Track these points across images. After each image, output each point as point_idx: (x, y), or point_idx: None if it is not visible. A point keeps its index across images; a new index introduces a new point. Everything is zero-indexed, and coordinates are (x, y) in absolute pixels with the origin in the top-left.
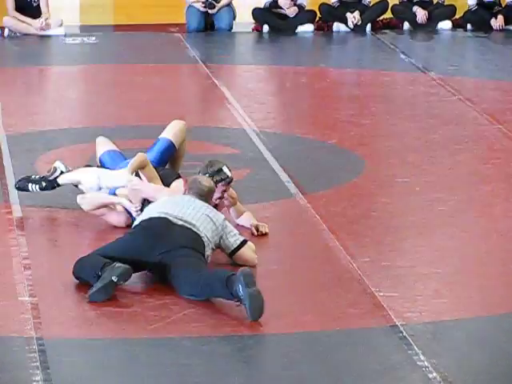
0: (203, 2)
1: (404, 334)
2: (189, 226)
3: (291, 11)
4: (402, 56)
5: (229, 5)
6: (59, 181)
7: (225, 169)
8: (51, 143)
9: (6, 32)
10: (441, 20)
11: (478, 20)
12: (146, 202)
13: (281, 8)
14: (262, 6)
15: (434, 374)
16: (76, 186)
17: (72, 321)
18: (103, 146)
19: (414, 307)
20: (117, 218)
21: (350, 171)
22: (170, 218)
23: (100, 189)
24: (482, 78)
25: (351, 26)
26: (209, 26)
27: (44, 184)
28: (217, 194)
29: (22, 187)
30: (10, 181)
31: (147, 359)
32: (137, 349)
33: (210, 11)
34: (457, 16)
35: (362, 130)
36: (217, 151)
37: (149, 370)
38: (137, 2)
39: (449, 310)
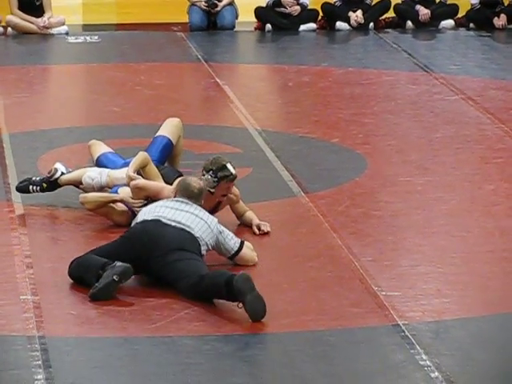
0: (205, 2)
1: (406, 333)
2: (182, 227)
3: (294, 9)
4: (405, 55)
5: (231, 3)
6: (60, 182)
7: (229, 166)
8: (54, 142)
9: (9, 31)
10: (443, 19)
11: (481, 19)
12: (148, 201)
13: (283, 7)
14: (264, 4)
15: (437, 374)
16: (77, 186)
17: (74, 319)
18: (98, 148)
19: (416, 306)
20: (119, 217)
21: (353, 170)
22: (164, 221)
23: (102, 188)
24: (484, 77)
25: (354, 25)
26: (211, 25)
27: (45, 185)
28: (220, 191)
29: (22, 189)
30: (13, 179)
31: (149, 358)
32: (138, 347)
33: (212, 11)
34: (459, 15)
35: (364, 129)
36: (219, 150)
37: (150, 369)
38: (139, 0)
39: (451, 310)
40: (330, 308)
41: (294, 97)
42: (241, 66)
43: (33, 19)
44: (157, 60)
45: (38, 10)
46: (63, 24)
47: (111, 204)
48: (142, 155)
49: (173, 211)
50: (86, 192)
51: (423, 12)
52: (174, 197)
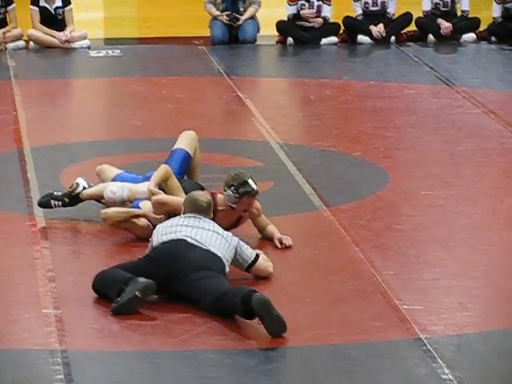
0: (227, 16)
1: (428, 347)
2: (207, 247)
3: (317, 21)
4: (426, 68)
5: (253, 17)
6: (81, 196)
7: (250, 181)
8: (76, 156)
9: (31, 45)
10: (465, 32)
11: (503, 32)
12: (170, 215)
13: (305, 21)
14: (286, 18)
15: None
16: (98, 201)
17: (96, 333)
18: (111, 171)
19: (438, 320)
20: (141, 231)
21: (374, 184)
22: (189, 240)
23: (123, 202)
24: (506, 90)
25: (378, 36)
26: (233, 39)
27: (67, 200)
28: (242, 207)
29: (44, 204)
30: (35, 193)
31: (171, 372)
32: (160, 361)
33: (234, 25)
34: (481, 28)
35: (385, 142)
36: (241, 164)
37: (172, 383)
38: (161, 14)
39: (473, 323)
40: (351, 322)
41: (316, 110)
42: (262, 79)
43: (54, 33)
44: (179, 74)
45: (60, 24)
46: (85, 38)
47: (133, 219)
48: (163, 168)
49: (189, 229)
50: (107, 206)
51: (445, 25)
52: (183, 213)
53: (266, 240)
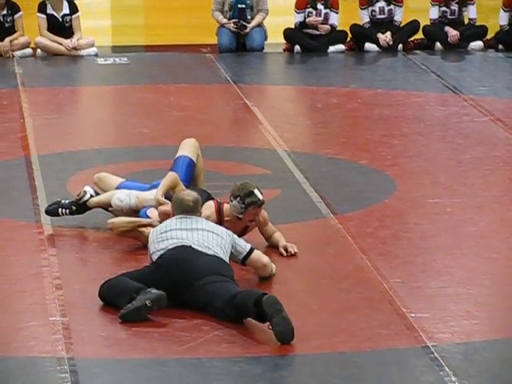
0: (234, 23)
1: (435, 354)
2: (212, 252)
3: (324, 28)
4: (434, 76)
5: (260, 25)
6: (89, 204)
7: (256, 191)
8: (83, 163)
9: (39, 52)
10: (472, 40)
11: (510, 40)
12: None
13: (312, 28)
14: (293, 26)
15: None
16: (106, 209)
17: (103, 341)
18: (112, 179)
19: (445, 328)
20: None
21: (381, 192)
22: (195, 246)
23: (131, 210)
24: None
25: (384, 45)
26: (240, 47)
27: (74, 208)
28: (248, 217)
29: (52, 212)
30: (42, 201)
31: (178, 379)
32: (167, 369)
33: (241, 32)
34: (488, 36)
35: (393, 150)
36: (248, 171)
37: None
38: (168, 22)
39: (480, 331)
40: (359, 330)
41: (323, 118)
42: (270, 87)
43: (61, 40)
44: (186, 81)
45: (67, 32)
46: (93, 45)
47: (140, 228)
48: (171, 176)
49: (185, 232)
50: (114, 214)
51: (452, 33)
52: (173, 215)
53: (272, 248)
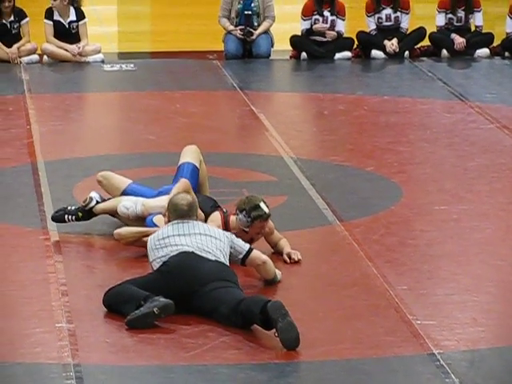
0: (241, 30)
1: (441, 362)
2: (215, 257)
3: (330, 34)
4: (440, 84)
5: (267, 32)
6: (95, 211)
7: (262, 205)
8: (89, 170)
9: (45, 59)
10: (479, 48)
11: None
12: None
13: (318, 35)
14: (299, 33)
15: None
16: (112, 215)
17: (109, 347)
18: (118, 179)
19: (451, 335)
20: None
21: (388, 199)
22: (197, 252)
23: (137, 217)
24: None
25: (391, 52)
26: (247, 53)
27: (80, 214)
28: (254, 230)
29: (58, 219)
30: (48, 207)
31: None
32: (174, 376)
33: (247, 39)
34: (495, 44)
35: (399, 157)
36: (254, 178)
37: None
38: (174, 29)
39: (486, 339)
40: (365, 337)
41: (329, 125)
42: (276, 94)
43: (67, 46)
44: (192, 88)
45: (74, 38)
46: (99, 52)
47: (146, 237)
48: (183, 183)
49: (183, 238)
50: (121, 220)
51: (458, 41)
52: (169, 221)
53: (277, 255)
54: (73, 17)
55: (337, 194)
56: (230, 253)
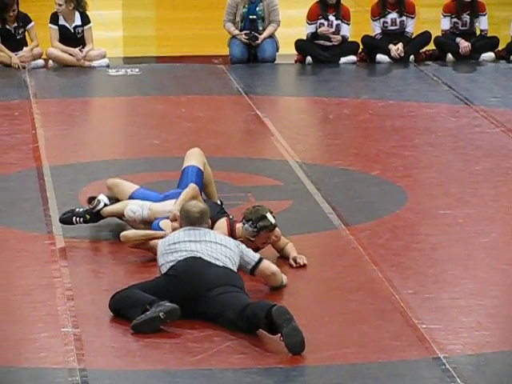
0: (246, 35)
1: (447, 366)
2: (222, 263)
3: (335, 38)
4: (445, 88)
5: (272, 36)
6: (103, 213)
7: (268, 215)
8: (94, 175)
9: (50, 63)
10: (484, 51)
11: None
12: None
13: (323, 39)
14: (304, 37)
15: None
16: (120, 218)
17: (115, 352)
18: (126, 185)
19: (456, 339)
20: None
21: (393, 203)
22: (205, 258)
23: (144, 221)
24: None
25: (396, 57)
26: (252, 58)
27: (88, 217)
28: (260, 240)
29: (66, 221)
30: (53, 212)
31: None
32: (180, 380)
33: (252, 43)
34: (500, 47)
35: (404, 161)
36: (259, 183)
37: None
38: (180, 33)
39: (492, 343)
40: (370, 341)
41: (335, 129)
42: (281, 98)
43: (71, 50)
44: (197, 92)
45: (79, 43)
46: (104, 57)
47: (152, 241)
48: (192, 188)
49: (194, 244)
50: (128, 224)
51: (464, 45)
52: (181, 226)
53: (283, 259)
54: (78, 21)
55: (342, 199)
56: (240, 263)
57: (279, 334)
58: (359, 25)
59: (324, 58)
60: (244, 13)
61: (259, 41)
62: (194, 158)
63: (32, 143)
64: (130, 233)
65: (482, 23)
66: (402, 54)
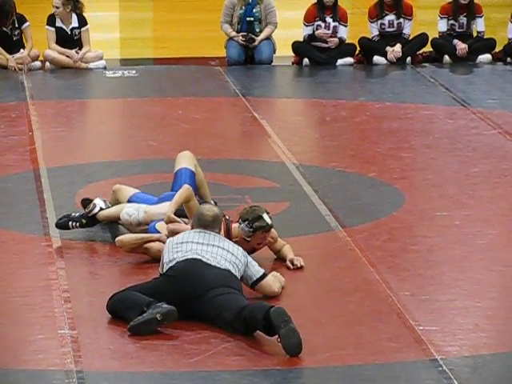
0: (243, 36)
1: (444, 368)
2: (222, 266)
3: (332, 41)
4: (442, 89)
5: (269, 38)
6: (98, 217)
7: (265, 216)
8: (91, 176)
9: (47, 65)
10: (481, 53)
11: None
12: None
13: (321, 41)
14: (301, 39)
15: None
16: (116, 222)
17: (112, 354)
18: (127, 190)
19: (453, 341)
20: (157, 253)
21: (390, 204)
22: (204, 260)
23: (139, 224)
24: None
25: (391, 60)
26: (249, 59)
27: (84, 221)
28: (256, 240)
29: (62, 225)
30: (50, 214)
31: None
32: (177, 382)
33: (249, 45)
34: (497, 49)
35: (401, 163)
36: (256, 184)
37: None
38: (177, 35)
39: (489, 344)
40: (367, 342)
41: (331, 131)
42: (278, 100)
43: (68, 52)
44: (194, 94)
45: (76, 45)
46: (101, 58)
47: (148, 244)
48: (186, 190)
49: (200, 246)
50: (124, 227)
51: (461, 46)
52: (192, 228)
53: (280, 261)
54: (75, 23)
55: (339, 200)
56: (243, 273)
57: (276, 336)
58: (356, 27)
59: (321, 59)
60: (241, 14)
61: (256, 43)
62: (186, 161)
63: (29, 145)
64: (125, 237)
65: (479, 25)
66: (399, 56)
